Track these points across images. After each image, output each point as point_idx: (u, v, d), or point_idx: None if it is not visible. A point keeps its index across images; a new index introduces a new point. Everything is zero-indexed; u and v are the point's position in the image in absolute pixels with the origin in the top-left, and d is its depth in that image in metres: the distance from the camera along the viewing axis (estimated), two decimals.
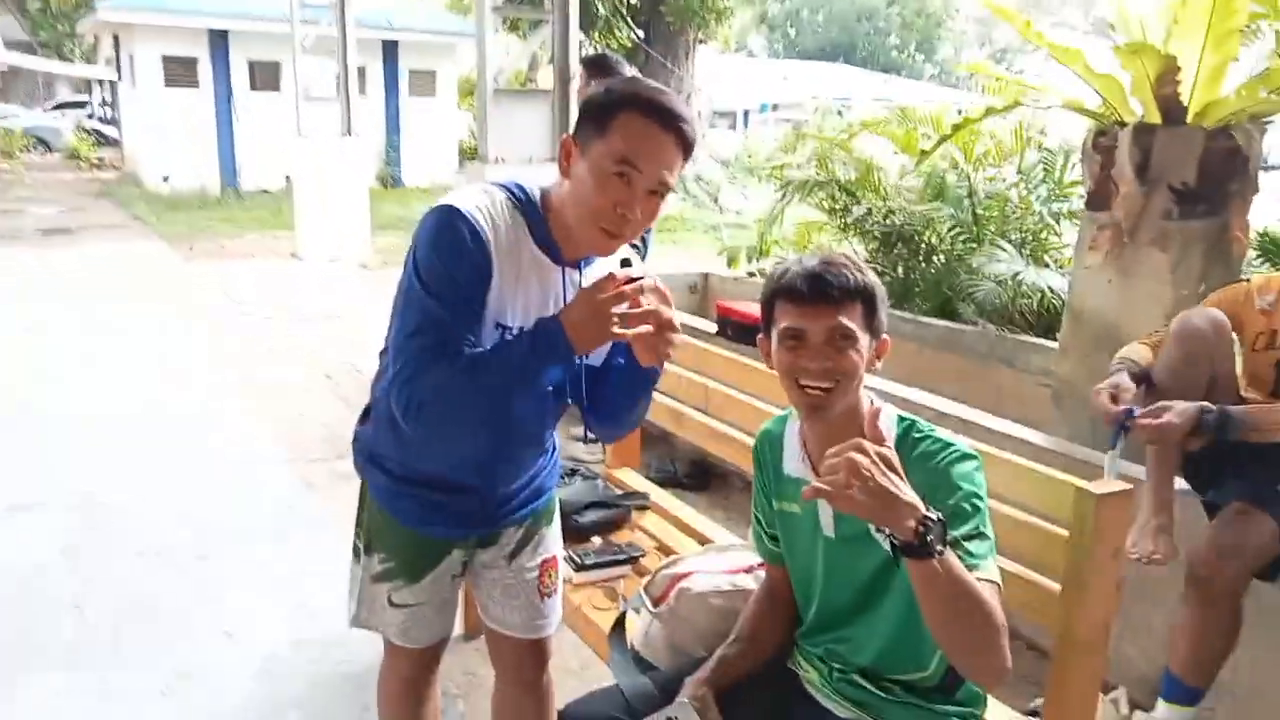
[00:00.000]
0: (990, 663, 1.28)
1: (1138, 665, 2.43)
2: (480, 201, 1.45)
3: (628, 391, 1.58)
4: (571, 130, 1.47)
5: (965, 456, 1.41)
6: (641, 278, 1.39)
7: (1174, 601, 2.12)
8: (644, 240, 4.13)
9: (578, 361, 1.52)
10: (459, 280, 1.41)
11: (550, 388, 1.56)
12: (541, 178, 1.55)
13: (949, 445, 1.42)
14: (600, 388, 1.60)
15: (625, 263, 1.42)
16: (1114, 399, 2.06)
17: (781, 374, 1.46)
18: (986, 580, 1.30)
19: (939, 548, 1.21)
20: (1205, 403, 1.99)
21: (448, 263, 1.41)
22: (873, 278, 1.45)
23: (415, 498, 1.64)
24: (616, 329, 1.36)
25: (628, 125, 1.38)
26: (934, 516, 1.21)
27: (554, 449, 1.79)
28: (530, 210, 1.50)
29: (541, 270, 1.50)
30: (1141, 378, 2.17)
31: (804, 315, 1.42)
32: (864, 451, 1.21)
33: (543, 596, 1.81)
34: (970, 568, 1.28)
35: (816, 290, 1.41)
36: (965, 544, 1.32)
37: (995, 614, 1.27)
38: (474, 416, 1.44)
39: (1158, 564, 2.05)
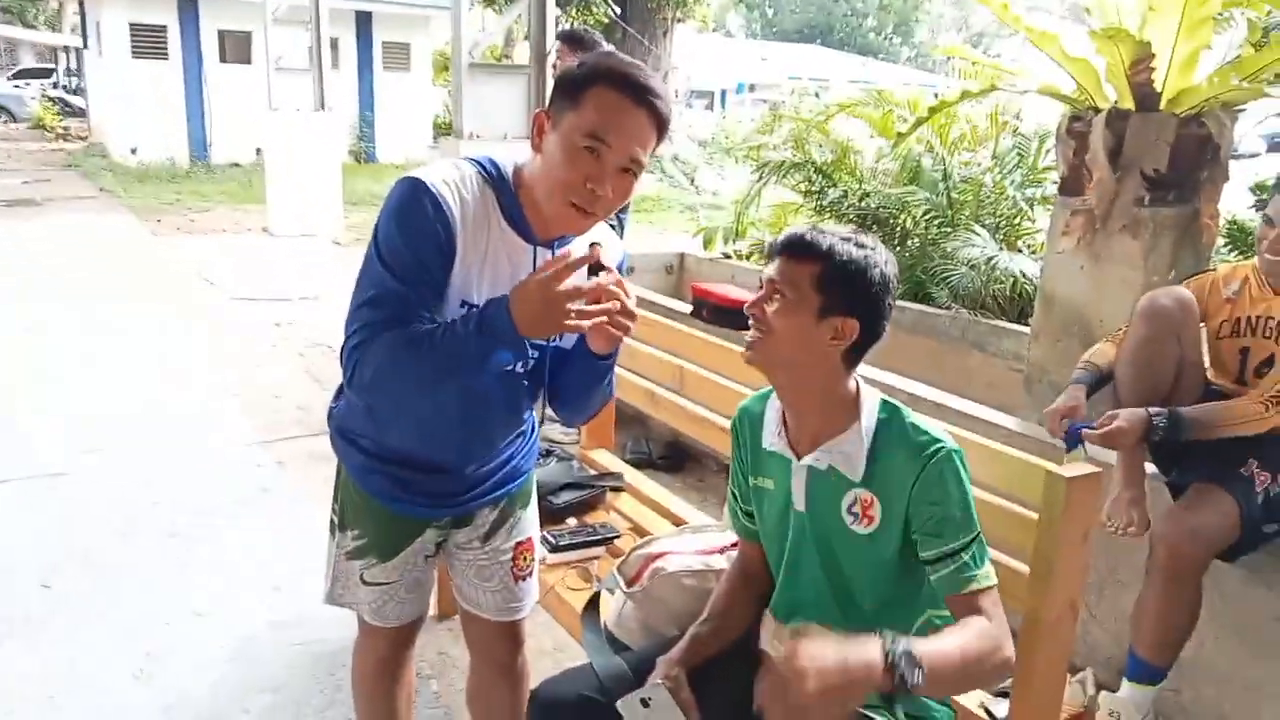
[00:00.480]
0: (998, 680, 1.37)
1: (1105, 647, 2.48)
2: (448, 175, 1.43)
3: (581, 375, 1.57)
4: (546, 104, 1.45)
5: (953, 454, 1.41)
6: (605, 268, 1.35)
7: (1140, 585, 2.16)
8: (620, 221, 4.13)
9: (530, 347, 1.48)
10: (418, 255, 1.40)
11: (519, 368, 1.55)
12: (517, 154, 1.53)
13: (937, 441, 1.41)
14: (563, 370, 1.59)
15: (594, 245, 1.39)
16: (1067, 415, 2.10)
17: None
18: (982, 589, 1.36)
19: (917, 678, 1.18)
20: (1153, 408, 2.02)
21: (408, 237, 1.40)
22: (848, 250, 1.40)
23: (387, 474, 1.63)
24: (570, 322, 1.32)
25: (599, 98, 1.37)
26: (897, 660, 1.17)
27: (532, 430, 1.78)
28: (501, 186, 1.47)
29: (512, 248, 1.48)
30: (1103, 380, 2.20)
31: (769, 267, 1.47)
32: (803, 673, 1.13)
33: (517, 579, 1.80)
34: (969, 579, 1.35)
35: (775, 245, 1.47)
36: (963, 555, 1.37)
37: (995, 656, 1.31)
38: (416, 391, 1.44)
39: (1133, 536, 2.09)
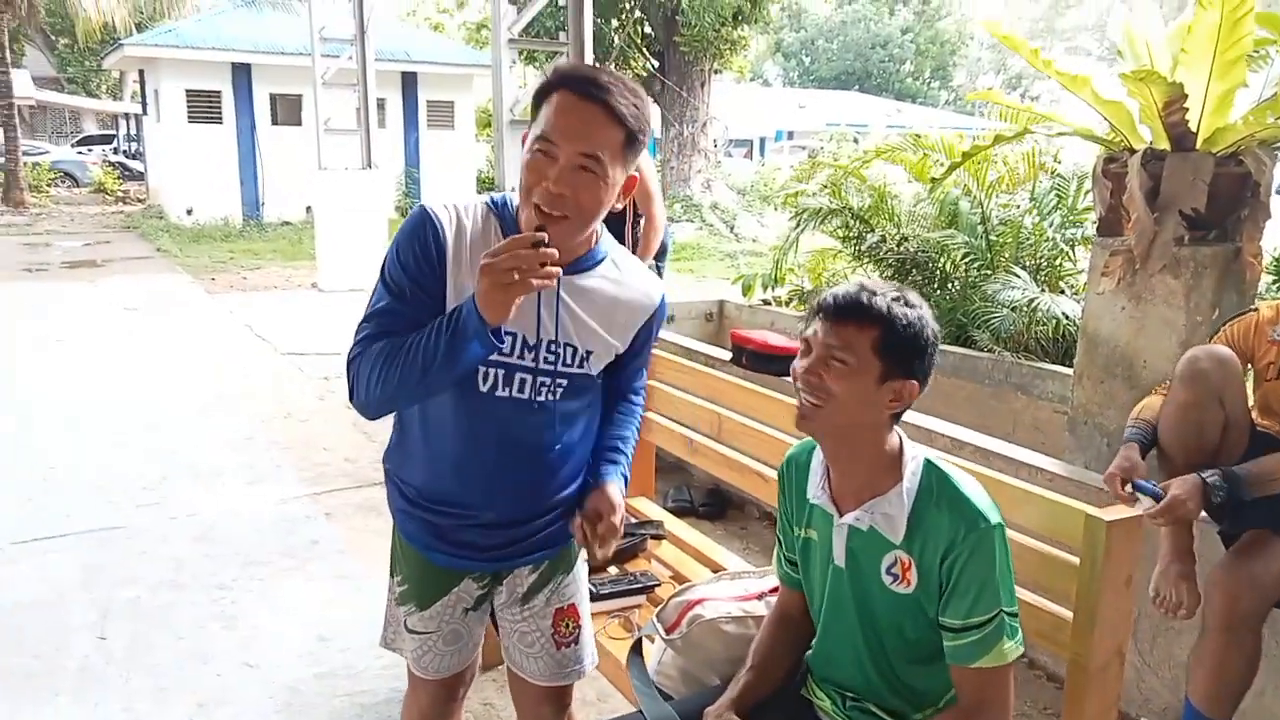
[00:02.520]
0: None
1: (1160, 696, 2.41)
2: (451, 201, 1.52)
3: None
4: None
5: (993, 530, 1.40)
6: (548, 247, 1.32)
7: (1196, 631, 2.10)
8: (658, 268, 4.18)
9: (494, 339, 1.42)
10: (410, 273, 1.48)
11: (536, 398, 1.54)
12: None
13: (980, 516, 1.40)
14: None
15: (539, 234, 1.35)
16: (1125, 478, 2.04)
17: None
18: (988, 668, 1.39)
19: None
20: (1206, 472, 1.95)
21: (402, 254, 1.49)
22: (905, 313, 1.39)
23: (420, 520, 1.66)
24: (510, 283, 1.31)
25: (553, 103, 1.43)
26: None
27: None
28: (504, 215, 1.54)
29: None
30: (1155, 436, 2.14)
31: (816, 329, 1.44)
32: None
33: (559, 646, 1.77)
34: (976, 654, 1.40)
35: (827, 307, 1.43)
36: (978, 631, 1.39)
37: None
38: (403, 393, 1.48)
39: (1183, 618, 2.02)
